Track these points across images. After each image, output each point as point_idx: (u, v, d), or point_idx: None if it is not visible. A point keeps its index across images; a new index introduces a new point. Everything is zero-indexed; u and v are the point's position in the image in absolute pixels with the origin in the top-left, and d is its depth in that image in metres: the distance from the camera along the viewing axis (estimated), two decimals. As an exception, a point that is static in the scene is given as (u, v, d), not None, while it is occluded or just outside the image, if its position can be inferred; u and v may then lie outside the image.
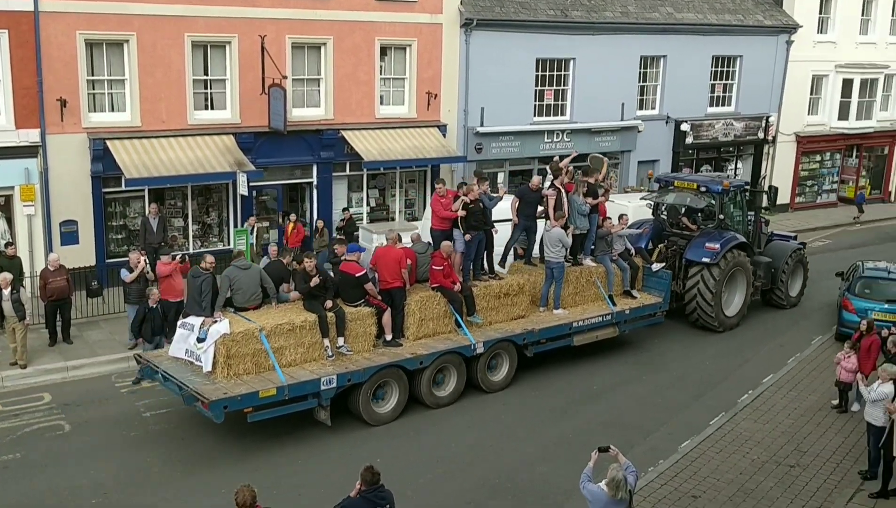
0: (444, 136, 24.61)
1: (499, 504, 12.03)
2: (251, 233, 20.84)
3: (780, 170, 33.59)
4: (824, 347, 18.94)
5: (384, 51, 23.69)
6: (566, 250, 16.76)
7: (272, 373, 13.25)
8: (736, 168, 32.76)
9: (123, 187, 20.15)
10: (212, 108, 21.55)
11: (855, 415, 14.90)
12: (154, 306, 15.96)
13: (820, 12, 33.29)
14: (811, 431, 14.60)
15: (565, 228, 16.73)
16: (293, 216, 21.75)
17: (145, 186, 20.50)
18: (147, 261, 17.39)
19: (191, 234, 22.02)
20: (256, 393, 12.72)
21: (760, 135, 32.37)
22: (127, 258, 17.51)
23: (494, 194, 17.07)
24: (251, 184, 21.00)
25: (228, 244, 21.95)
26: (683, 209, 20.65)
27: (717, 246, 19.07)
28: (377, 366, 14.00)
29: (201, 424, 13.98)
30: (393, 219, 24.85)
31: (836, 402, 15.51)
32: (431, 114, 24.52)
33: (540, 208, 17.36)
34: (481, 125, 25.38)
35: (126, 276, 16.81)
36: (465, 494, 12.21)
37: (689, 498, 12.10)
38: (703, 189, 19.90)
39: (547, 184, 17.42)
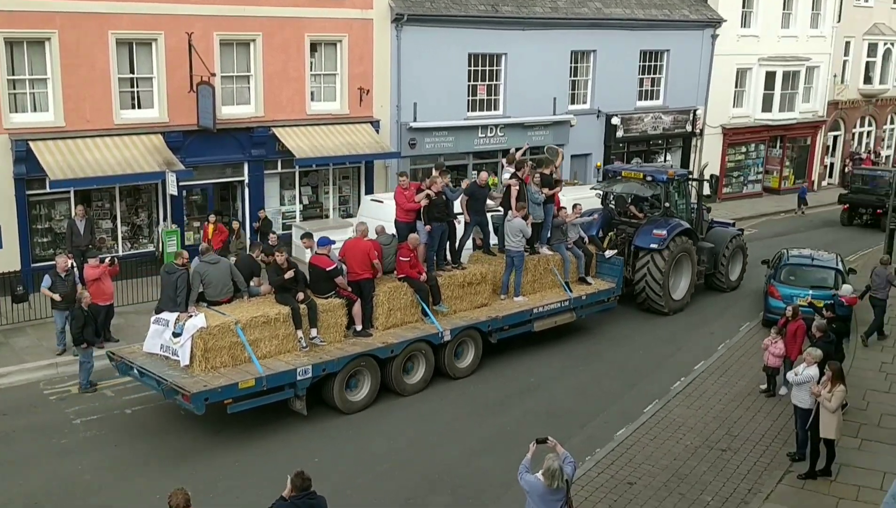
0: (378, 132, 24.53)
1: (438, 499, 12.06)
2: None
3: (708, 161, 34.29)
4: (752, 333, 19.46)
5: (314, 47, 23.48)
6: (525, 239, 17.25)
7: (249, 365, 13.46)
8: (665, 160, 33.39)
9: (48, 189, 19.65)
10: (139, 106, 21.09)
11: (783, 398, 15.30)
12: (85, 309, 15.54)
13: (743, 6, 34.12)
14: (741, 415, 14.98)
15: (524, 218, 17.18)
16: (213, 217, 21.43)
17: (71, 188, 19.99)
18: (75, 264, 16.95)
19: (120, 236, 21.52)
20: (236, 384, 12.94)
21: (688, 128, 33.07)
22: (53, 263, 17.04)
23: (457, 188, 17.68)
24: (181, 183, 20.62)
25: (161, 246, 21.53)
26: (631, 198, 21.24)
27: (664, 233, 19.88)
28: (350, 356, 14.33)
29: (134, 429, 13.72)
30: (327, 217, 24.69)
31: (764, 386, 15.95)
32: (364, 110, 24.41)
33: (490, 203, 17.83)
34: (414, 121, 25.37)
35: (45, 287, 16.35)
36: (404, 491, 12.20)
37: (626, 485, 12.30)
38: (649, 179, 20.82)
39: (507, 176, 18.04)
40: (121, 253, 20.83)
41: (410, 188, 16.38)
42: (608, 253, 19.66)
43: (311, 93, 23.60)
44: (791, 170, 37.86)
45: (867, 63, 39.02)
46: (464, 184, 18.09)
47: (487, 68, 27.06)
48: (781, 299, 18.75)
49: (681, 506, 11.84)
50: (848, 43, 38.03)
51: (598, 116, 30.25)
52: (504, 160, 18.51)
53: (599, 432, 14.25)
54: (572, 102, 29.61)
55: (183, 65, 21.01)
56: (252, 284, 14.83)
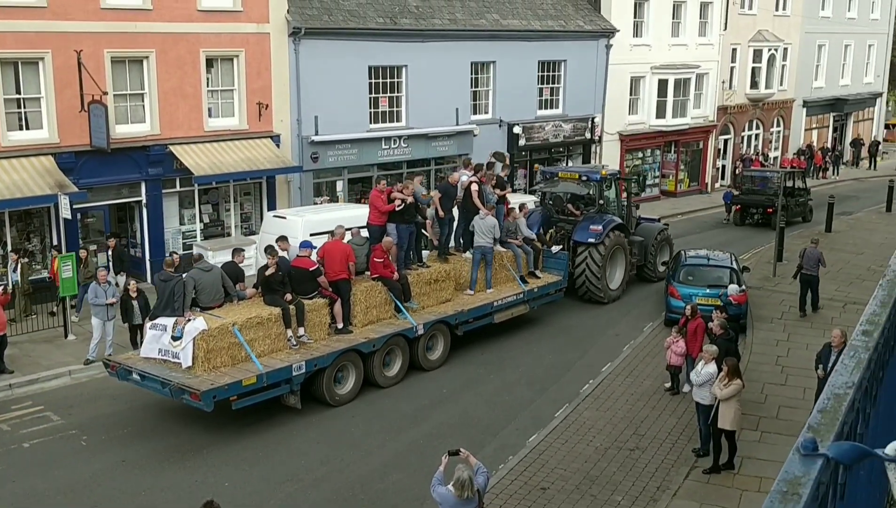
0: (278, 146, 24.22)
1: (353, 516, 11.95)
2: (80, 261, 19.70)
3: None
4: (655, 333, 19.99)
5: (211, 62, 23.05)
6: (495, 237, 18.67)
7: (247, 364, 14.23)
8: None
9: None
10: (27, 128, 20.28)
11: (686, 396, 15.71)
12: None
13: (635, 17, 35.13)
14: (648, 414, 15.35)
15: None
16: (55, 252, 19.83)
17: (-45, 214, 19.05)
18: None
19: (9, 263, 20.57)
20: (240, 382, 13.71)
21: (587, 135, 33.81)
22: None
23: (428, 197, 18.93)
24: (75, 206, 19.88)
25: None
26: (567, 197, 23.10)
27: (600, 228, 21.55)
28: (338, 351, 15.30)
29: (32, 465, 13.12)
30: (229, 234, 24.21)
31: (668, 385, 16.39)
32: (263, 125, 24.09)
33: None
34: (316, 134, 25.16)
35: None
36: (318, 510, 12.04)
37: (539, 491, 12.43)
38: (584, 178, 22.68)
39: (465, 178, 19.22)
40: (10, 281, 19.94)
41: (385, 192, 17.40)
42: (554, 249, 21.28)
43: (209, 109, 23.15)
44: (686, 173, 39.12)
45: (753, 69, 40.66)
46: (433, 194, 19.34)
47: (389, 80, 27.10)
48: (681, 298, 19.32)
49: (593, 508, 12.04)
50: (734, 50, 39.58)
51: (500, 126, 30.63)
52: (461, 162, 20.47)
53: (512, 439, 14.37)
54: (474, 113, 29.90)
55: (73, 84, 20.30)
56: (238, 288, 15.49)
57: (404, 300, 16.92)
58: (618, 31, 33.58)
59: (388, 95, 27.15)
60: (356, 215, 20.98)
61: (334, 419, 15.05)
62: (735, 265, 20.77)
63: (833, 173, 44.93)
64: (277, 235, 18.86)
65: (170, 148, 22.10)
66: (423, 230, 18.83)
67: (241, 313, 14.70)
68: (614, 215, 22.53)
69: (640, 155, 37.09)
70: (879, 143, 50.13)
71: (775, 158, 43.34)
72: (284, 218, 20.43)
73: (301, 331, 15.15)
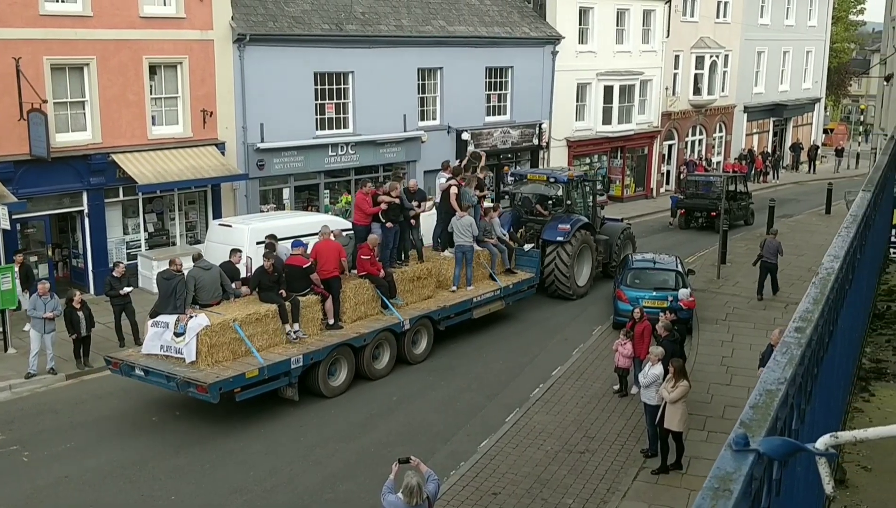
0: (224, 154, 23.93)
1: (303, 527, 11.82)
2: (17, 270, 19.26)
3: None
4: (604, 336, 20.18)
5: (154, 69, 22.70)
6: (473, 235, 19.54)
7: (248, 358, 14.87)
8: (515, 173, 34.25)
9: None
10: (-38, 136, 19.76)
11: (635, 397, 15.88)
12: None
13: (580, 24, 35.50)
14: (597, 417, 15.48)
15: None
16: None
17: None
18: None
19: (-55, 275, 20.00)
20: (243, 375, 14.44)
21: (535, 141, 34.05)
22: None
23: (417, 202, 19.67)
24: (14, 217, 19.39)
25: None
26: (536, 198, 24.19)
27: (568, 227, 22.61)
28: (332, 345, 16.05)
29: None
30: (174, 244, 23.83)
31: (617, 387, 16.55)
32: (208, 132, 23.78)
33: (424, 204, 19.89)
34: (262, 141, 24.91)
35: None
36: (267, 521, 11.89)
37: (490, 496, 12.44)
38: (552, 180, 23.92)
39: (443, 180, 20.37)
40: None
41: (370, 194, 18.24)
42: (526, 247, 22.34)
43: (153, 117, 22.78)
44: (632, 178, 39.64)
45: (695, 75, 41.39)
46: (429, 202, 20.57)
47: (335, 87, 26.96)
48: (628, 301, 19.54)
49: (544, 512, 12.08)
50: (677, 57, 40.24)
51: (448, 132, 30.68)
52: (441, 165, 21.63)
53: (463, 446, 14.36)
54: (422, 119, 29.89)
55: (11, 92, 19.80)
56: (234, 286, 16.17)
57: (390, 297, 17.63)
58: (563, 37, 33.90)
59: (335, 101, 27.00)
60: (303, 222, 20.90)
61: (283, 430, 14.89)
62: (680, 268, 21.09)
63: (773, 177, 45.93)
64: (223, 243, 18.80)
65: (112, 157, 21.69)
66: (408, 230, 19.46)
67: (239, 309, 15.40)
68: (581, 215, 23.59)
69: (588, 161, 37.46)
70: (818, 147, 51.41)
71: (718, 162, 44.14)
72: (230, 226, 20.17)
73: (296, 327, 15.81)
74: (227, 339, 14.73)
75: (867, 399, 5.94)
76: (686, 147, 42.71)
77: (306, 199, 26.91)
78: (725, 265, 25.37)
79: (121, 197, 22.61)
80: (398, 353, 17.67)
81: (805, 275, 24.70)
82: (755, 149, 46.60)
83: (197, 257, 16.21)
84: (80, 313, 17.02)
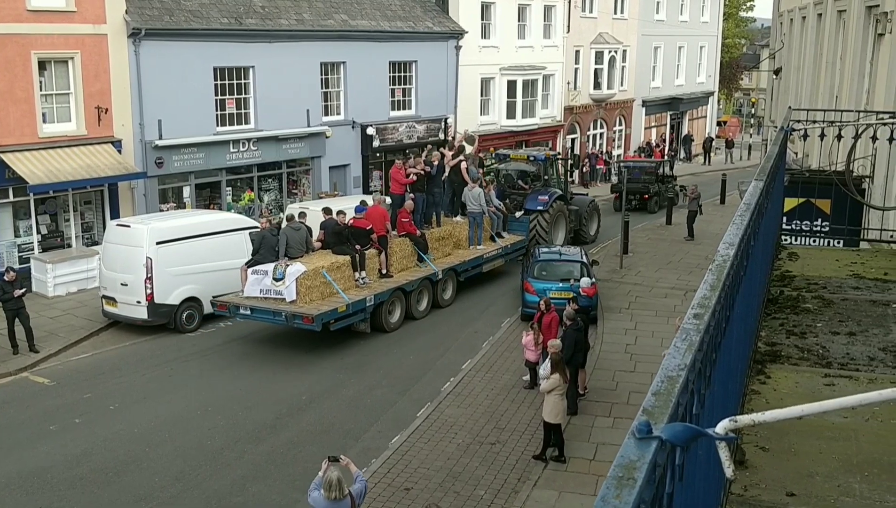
0: (120, 152, 23.17)
1: (212, 532, 11.55)
2: None
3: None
4: (512, 328, 20.39)
5: (44, 65, 21.79)
6: (481, 204, 22.94)
7: (335, 297, 18.38)
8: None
9: None
10: None
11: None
12: None
13: (482, 18, 35.74)
14: (507, 408, 15.63)
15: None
16: None
17: None
18: None
19: None
20: (336, 309, 18.05)
21: (441, 136, 34.08)
22: None
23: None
24: None
25: None
26: (517, 174, 27.86)
27: (546, 198, 26.38)
28: (392, 288, 19.82)
29: None
30: (69, 246, 22.95)
31: (526, 378, 16.73)
32: (103, 130, 22.96)
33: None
34: (160, 138, 24.21)
35: None
36: (174, 529, 11.57)
37: (402, 492, 12.42)
38: (531, 158, 28.02)
39: (449, 156, 23.43)
40: None
41: (403, 168, 21.71)
42: (518, 214, 25.93)
43: (43, 114, 21.87)
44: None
45: (595, 70, 42.26)
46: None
47: (235, 82, 26.42)
48: (535, 293, 19.80)
49: (456, 504, 12.14)
50: (577, 52, 40.99)
51: (353, 127, 30.45)
52: (441, 148, 25.03)
53: (374, 442, 14.29)
54: (326, 114, 29.59)
55: None
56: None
57: (425, 253, 21.31)
58: (466, 32, 34.07)
59: (235, 96, 26.47)
60: (205, 221, 20.46)
61: (189, 432, 14.51)
62: (585, 260, 21.50)
63: (669, 169, 47.17)
64: (122, 244, 18.26)
65: (1, 156, 20.71)
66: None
67: (321, 260, 18.74)
68: (556, 189, 27.32)
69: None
70: (713, 139, 53.16)
71: (618, 155, 45.17)
72: (129, 226, 19.52)
73: (364, 274, 19.47)
74: (317, 282, 18.15)
75: (763, 381, 6.17)
76: (588, 141, 43.56)
77: (208, 197, 26.29)
78: (628, 256, 25.99)
79: (10, 198, 21.66)
80: (433, 298, 21.28)
81: (703, 263, 25.51)
82: (653, 141, 47.84)
83: (290, 218, 19.52)
84: None
